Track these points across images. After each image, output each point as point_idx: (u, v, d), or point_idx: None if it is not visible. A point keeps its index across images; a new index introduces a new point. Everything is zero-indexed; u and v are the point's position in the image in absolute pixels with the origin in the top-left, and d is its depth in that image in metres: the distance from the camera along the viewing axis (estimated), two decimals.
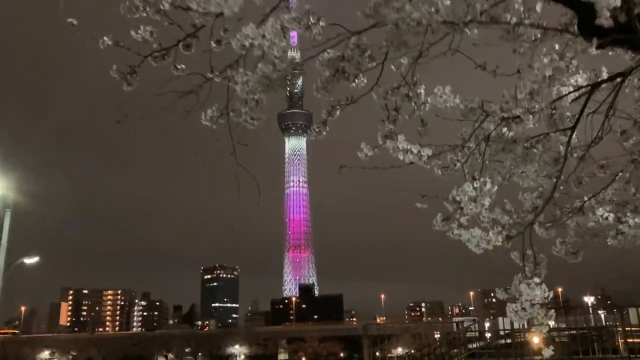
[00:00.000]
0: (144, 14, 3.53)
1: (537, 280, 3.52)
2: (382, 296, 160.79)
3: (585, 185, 4.32)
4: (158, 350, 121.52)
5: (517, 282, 3.52)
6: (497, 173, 4.18)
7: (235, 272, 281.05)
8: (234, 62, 3.49)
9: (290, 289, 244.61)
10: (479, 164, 3.96)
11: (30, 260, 25.92)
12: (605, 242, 4.39)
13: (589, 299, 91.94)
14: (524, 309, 3.44)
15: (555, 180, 3.99)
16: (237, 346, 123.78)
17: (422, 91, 3.98)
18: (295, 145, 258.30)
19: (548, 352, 3.65)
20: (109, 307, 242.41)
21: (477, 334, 26.52)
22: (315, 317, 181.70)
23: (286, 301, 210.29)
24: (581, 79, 3.86)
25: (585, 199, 4.35)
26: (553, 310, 3.46)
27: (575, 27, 3.44)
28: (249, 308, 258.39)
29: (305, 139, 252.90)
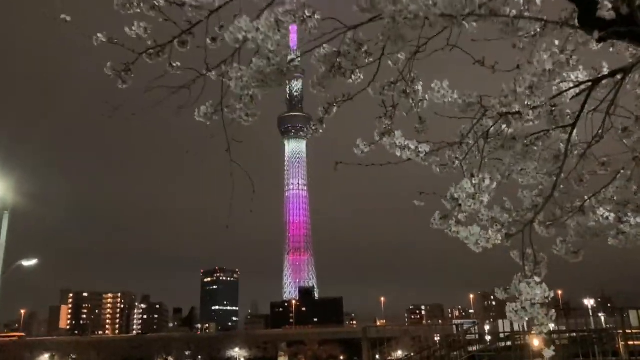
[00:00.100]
0: (138, 10, 3.49)
1: (537, 279, 3.45)
2: (382, 299, 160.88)
3: (586, 183, 4.26)
4: (158, 353, 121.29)
5: (517, 282, 3.45)
6: (496, 170, 4.12)
7: (235, 275, 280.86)
8: (228, 57, 3.44)
9: (290, 292, 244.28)
10: (478, 162, 3.90)
11: (29, 263, 25.81)
12: (605, 242, 4.32)
13: (589, 302, 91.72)
14: (524, 308, 3.36)
15: (555, 178, 3.93)
16: (237, 349, 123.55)
17: (420, 88, 3.93)
18: (295, 148, 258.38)
19: (549, 352, 3.56)
20: (109, 310, 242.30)
21: (477, 336, 26.46)
22: (315, 320, 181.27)
23: (286, 304, 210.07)
24: (582, 75, 3.81)
25: (586, 198, 4.29)
26: (553, 310, 3.39)
27: (576, 20, 3.39)
28: (249, 311, 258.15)
29: (305, 142, 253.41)
